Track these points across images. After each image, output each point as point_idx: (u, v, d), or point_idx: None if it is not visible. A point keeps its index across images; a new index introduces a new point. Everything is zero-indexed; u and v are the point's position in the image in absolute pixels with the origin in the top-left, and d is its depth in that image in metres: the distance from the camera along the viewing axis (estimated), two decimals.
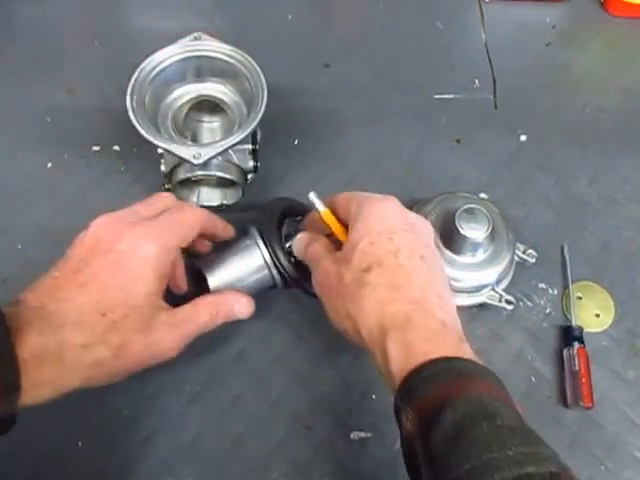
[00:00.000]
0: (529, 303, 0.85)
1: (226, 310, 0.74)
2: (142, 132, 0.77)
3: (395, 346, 0.60)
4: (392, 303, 0.63)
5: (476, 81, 1.03)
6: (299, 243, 0.77)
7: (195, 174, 0.80)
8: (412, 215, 0.71)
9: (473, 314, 0.84)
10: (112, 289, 0.65)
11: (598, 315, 0.84)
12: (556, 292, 0.85)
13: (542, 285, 0.86)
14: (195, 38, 0.84)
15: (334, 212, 0.74)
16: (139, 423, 0.76)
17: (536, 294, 0.86)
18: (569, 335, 0.81)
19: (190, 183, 0.86)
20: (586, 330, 0.82)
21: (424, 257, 0.67)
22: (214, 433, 0.76)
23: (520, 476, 0.47)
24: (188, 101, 0.87)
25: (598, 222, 0.91)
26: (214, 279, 0.77)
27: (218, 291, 0.77)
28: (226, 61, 0.84)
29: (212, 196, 0.89)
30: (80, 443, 0.75)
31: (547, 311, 0.84)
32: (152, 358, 0.69)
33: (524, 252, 0.85)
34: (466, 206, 0.80)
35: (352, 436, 0.76)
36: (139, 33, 1.07)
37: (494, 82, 1.02)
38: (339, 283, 0.67)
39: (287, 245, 0.79)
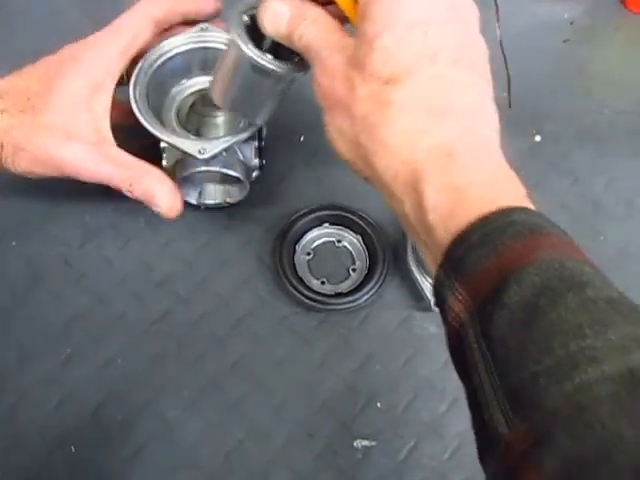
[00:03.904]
0: None
1: (144, 188, 0.72)
2: (146, 125, 0.74)
3: (435, 195, 0.45)
4: (427, 134, 0.47)
5: None
6: (274, 13, 0.57)
7: (199, 170, 0.78)
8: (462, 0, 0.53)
9: None
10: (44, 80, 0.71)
11: None
12: None
13: None
14: (202, 29, 0.81)
15: None
16: (135, 429, 0.74)
17: None
18: None
19: (193, 179, 0.84)
20: None
21: (474, 63, 0.51)
22: (213, 440, 0.74)
23: (630, 371, 0.34)
24: (192, 94, 0.85)
25: (615, 227, 0.88)
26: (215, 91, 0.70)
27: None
28: None
29: (215, 194, 0.86)
30: (73, 449, 0.72)
31: None
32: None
33: None
34: None
35: (355, 444, 0.74)
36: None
37: (509, 80, 0.99)
38: (349, 95, 0.51)
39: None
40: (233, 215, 0.86)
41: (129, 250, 0.84)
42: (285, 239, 0.83)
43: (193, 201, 0.85)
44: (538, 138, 0.95)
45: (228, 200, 0.86)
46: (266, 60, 0.61)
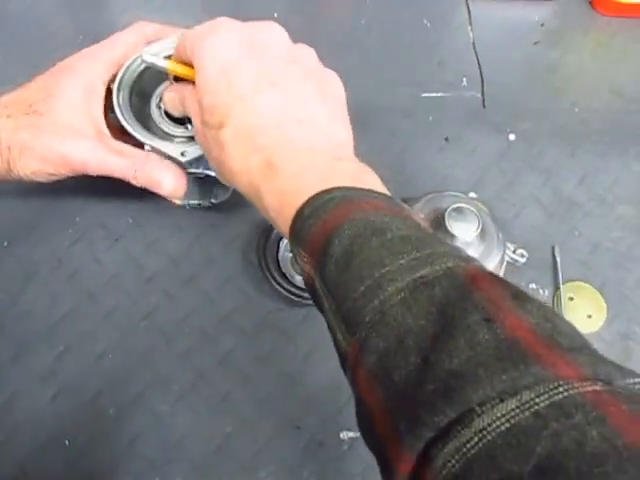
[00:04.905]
0: None
1: (148, 174, 0.76)
2: (129, 129, 0.76)
3: (271, 199, 0.59)
4: (254, 155, 0.60)
5: (464, 79, 1.03)
6: (170, 99, 0.74)
7: None
8: (258, 30, 0.68)
9: None
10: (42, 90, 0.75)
11: (590, 316, 0.83)
12: (547, 293, 0.85)
13: (533, 286, 0.85)
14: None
15: (183, 60, 0.70)
16: (126, 422, 0.75)
17: None
18: None
19: None
20: None
21: (274, 80, 0.63)
22: (202, 433, 0.75)
23: (414, 281, 0.45)
24: None
25: (588, 222, 0.90)
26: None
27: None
28: None
29: (200, 194, 0.87)
30: (66, 443, 0.73)
31: None
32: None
33: (514, 252, 0.84)
34: (455, 205, 0.79)
35: (341, 436, 0.76)
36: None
37: (482, 80, 1.02)
38: (207, 144, 0.67)
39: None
40: (218, 214, 0.87)
41: (118, 249, 0.85)
42: (269, 236, 0.84)
43: (179, 201, 0.86)
44: (512, 137, 0.97)
45: (213, 200, 0.87)
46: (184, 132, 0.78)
